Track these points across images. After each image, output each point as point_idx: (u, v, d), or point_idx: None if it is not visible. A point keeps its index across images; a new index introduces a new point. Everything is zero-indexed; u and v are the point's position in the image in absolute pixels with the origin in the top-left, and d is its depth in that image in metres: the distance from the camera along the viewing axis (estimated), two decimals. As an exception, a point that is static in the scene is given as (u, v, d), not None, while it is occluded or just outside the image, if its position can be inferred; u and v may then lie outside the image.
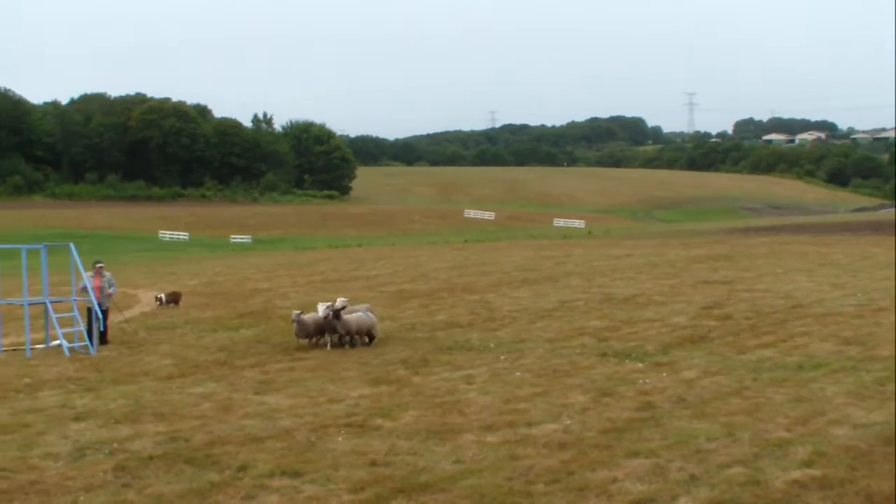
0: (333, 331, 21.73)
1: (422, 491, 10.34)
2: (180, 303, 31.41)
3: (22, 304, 23.48)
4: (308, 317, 21.92)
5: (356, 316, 22.00)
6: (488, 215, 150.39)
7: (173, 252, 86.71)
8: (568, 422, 13.23)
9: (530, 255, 51.43)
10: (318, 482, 10.82)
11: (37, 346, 22.96)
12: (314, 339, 22.20)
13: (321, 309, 21.64)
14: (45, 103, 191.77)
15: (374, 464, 11.47)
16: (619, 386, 15.63)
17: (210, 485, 10.83)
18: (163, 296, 31.40)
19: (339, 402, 15.30)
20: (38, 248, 24.09)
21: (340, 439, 12.73)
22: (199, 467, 11.59)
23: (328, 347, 21.68)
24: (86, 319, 23.08)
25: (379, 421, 13.74)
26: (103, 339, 23.30)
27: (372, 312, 22.83)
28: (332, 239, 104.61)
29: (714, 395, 14.60)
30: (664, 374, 16.49)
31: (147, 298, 34.74)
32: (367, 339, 21.99)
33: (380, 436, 12.87)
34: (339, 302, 21.82)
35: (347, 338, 21.65)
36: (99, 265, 24.17)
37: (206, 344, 22.76)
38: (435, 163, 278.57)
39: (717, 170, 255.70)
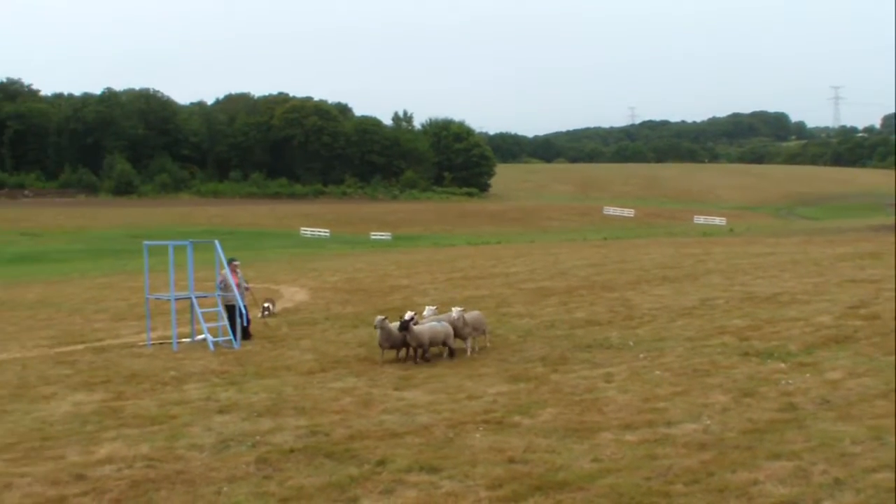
0: (405, 343, 20.11)
1: (559, 489, 10.30)
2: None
3: (169, 300, 24.20)
4: (396, 325, 19.97)
5: (429, 326, 20.08)
6: (628, 212, 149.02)
7: (314, 248, 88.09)
8: (708, 422, 13.00)
9: (670, 252, 50.69)
10: (455, 478, 10.87)
11: (183, 339, 23.60)
12: (401, 352, 20.32)
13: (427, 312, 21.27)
14: (192, 104, 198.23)
15: (511, 461, 11.47)
16: (761, 386, 15.28)
17: (349, 478, 10.97)
18: (269, 305, 29.58)
19: (478, 399, 15.34)
20: (185, 245, 24.73)
21: (478, 436, 12.76)
22: (338, 461, 11.75)
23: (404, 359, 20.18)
24: (227, 315, 23.54)
25: (517, 418, 13.73)
26: (246, 334, 23.82)
27: (477, 321, 20.86)
28: (470, 236, 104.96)
29: (860, 398, 14.14)
30: (807, 375, 16.05)
31: (289, 293, 35.45)
32: (447, 351, 20.19)
33: (518, 433, 12.86)
34: (408, 315, 20.09)
35: (420, 350, 19.81)
36: (234, 263, 24.53)
37: (347, 339, 23.06)
38: (574, 159, 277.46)
39: (863, 165, 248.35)
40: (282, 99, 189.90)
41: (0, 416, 15.43)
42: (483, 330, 21.15)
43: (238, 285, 23.87)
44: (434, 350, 20.08)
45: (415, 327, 19.67)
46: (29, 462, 12.31)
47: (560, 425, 13.17)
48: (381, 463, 11.53)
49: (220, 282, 23.87)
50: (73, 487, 11.07)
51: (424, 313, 21.43)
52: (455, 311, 20.41)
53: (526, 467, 11.17)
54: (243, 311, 23.44)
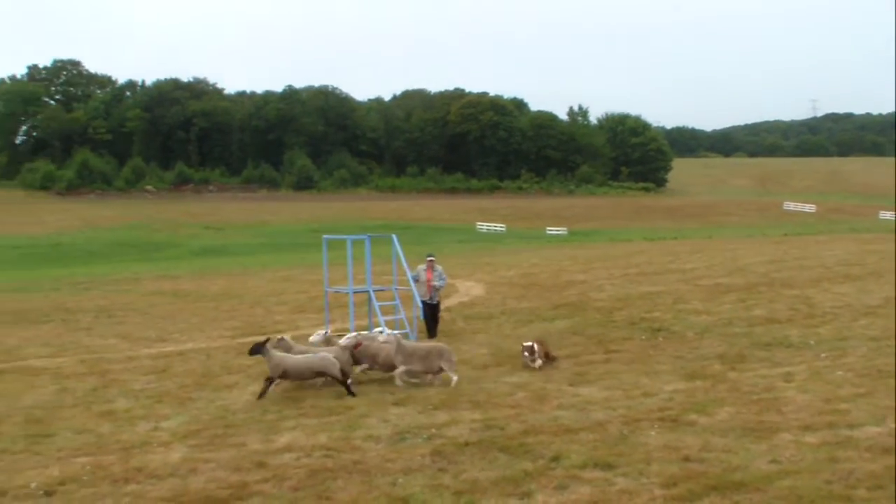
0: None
1: (736, 489, 10.03)
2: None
3: (347, 293, 24.61)
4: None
5: (295, 356, 16.91)
6: (809, 208, 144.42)
7: (490, 243, 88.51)
8: (893, 425, 12.50)
9: (853, 249, 49.02)
10: (629, 475, 10.71)
11: (360, 332, 23.96)
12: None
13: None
14: (369, 100, 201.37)
15: (687, 459, 11.24)
16: (953, 389, 14.63)
17: (523, 473, 10.93)
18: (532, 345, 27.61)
19: (653, 396, 15.09)
20: (363, 239, 25.10)
21: (653, 433, 12.55)
22: (512, 455, 11.72)
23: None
24: (426, 311, 23.66)
25: (693, 416, 13.45)
26: (433, 331, 23.86)
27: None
28: (647, 231, 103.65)
29: None
30: None
31: (464, 288, 35.65)
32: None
33: (693, 431, 12.60)
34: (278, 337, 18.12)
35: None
36: (430, 258, 24.45)
37: (522, 334, 22.96)
38: (753, 154, 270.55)
39: None
40: (458, 94, 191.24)
41: (186, 404, 15.99)
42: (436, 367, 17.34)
43: (429, 282, 23.80)
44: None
45: (276, 353, 16.69)
46: (213, 448, 12.70)
47: (737, 425, 12.85)
48: (556, 459, 11.45)
49: (414, 276, 23.80)
50: (254, 474, 11.36)
51: (311, 339, 19.11)
52: (383, 335, 18.12)
53: (702, 466, 10.93)
54: (420, 305, 23.54)
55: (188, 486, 11.03)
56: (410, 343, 18.59)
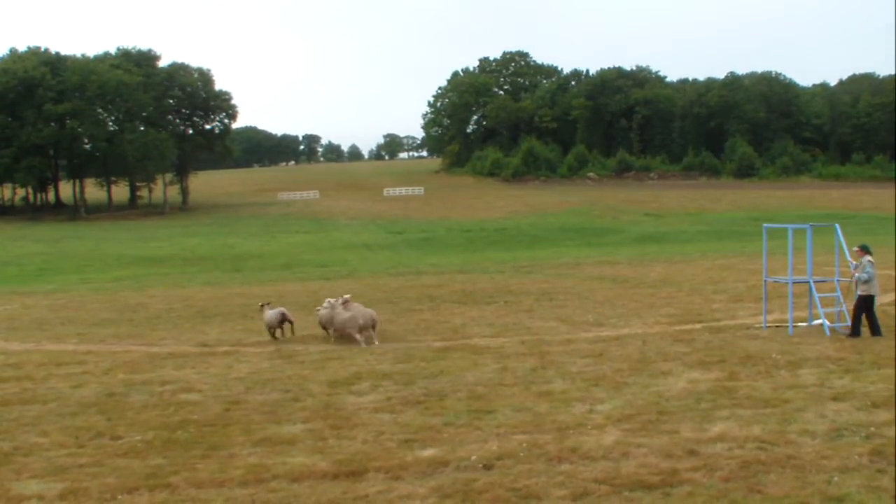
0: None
1: None
2: None
3: (786, 283, 23.94)
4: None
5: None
6: None
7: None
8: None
9: None
10: None
11: (799, 324, 23.22)
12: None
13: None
14: (814, 85, 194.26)
15: None
16: None
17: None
18: None
19: None
20: (804, 228, 24.31)
21: None
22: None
23: None
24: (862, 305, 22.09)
25: None
26: (877, 330, 21.72)
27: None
28: None
29: None
30: None
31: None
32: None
33: None
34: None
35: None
36: (858, 249, 22.64)
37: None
38: None
39: None
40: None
41: (620, 388, 16.26)
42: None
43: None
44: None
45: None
46: (645, 434, 12.86)
47: None
48: None
49: (858, 266, 22.19)
50: (685, 462, 11.39)
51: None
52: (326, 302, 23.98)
53: None
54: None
55: (620, 469, 11.25)
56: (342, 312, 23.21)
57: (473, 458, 11.94)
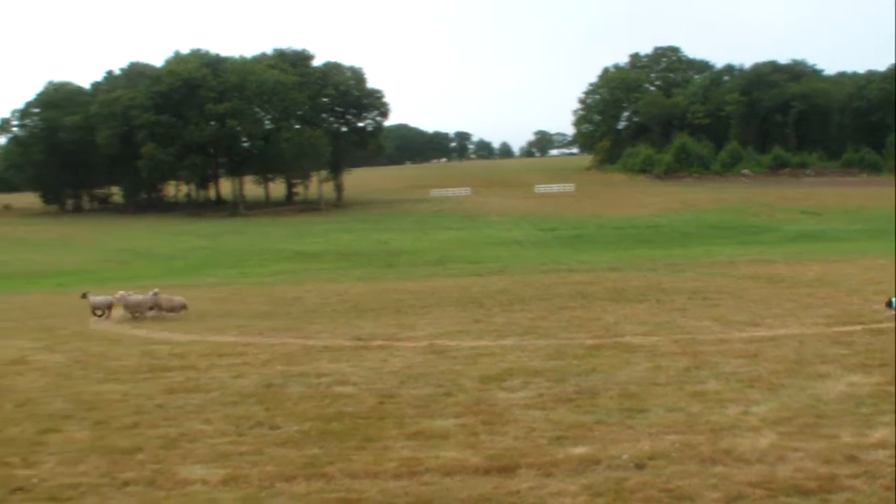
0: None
1: None
2: None
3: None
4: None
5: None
6: None
7: None
8: None
9: None
10: None
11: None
12: None
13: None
14: None
15: None
16: None
17: None
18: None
19: None
20: None
21: None
22: None
23: None
24: None
25: None
26: None
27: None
28: None
29: None
30: None
31: None
32: None
33: None
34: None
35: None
36: None
37: None
38: None
39: None
40: None
41: (776, 390, 15.94)
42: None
43: None
44: None
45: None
46: (803, 438, 12.60)
47: None
48: None
49: None
50: (844, 468, 11.14)
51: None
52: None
53: None
54: None
55: (776, 473, 11.06)
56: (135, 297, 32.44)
57: (625, 456, 11.90)
